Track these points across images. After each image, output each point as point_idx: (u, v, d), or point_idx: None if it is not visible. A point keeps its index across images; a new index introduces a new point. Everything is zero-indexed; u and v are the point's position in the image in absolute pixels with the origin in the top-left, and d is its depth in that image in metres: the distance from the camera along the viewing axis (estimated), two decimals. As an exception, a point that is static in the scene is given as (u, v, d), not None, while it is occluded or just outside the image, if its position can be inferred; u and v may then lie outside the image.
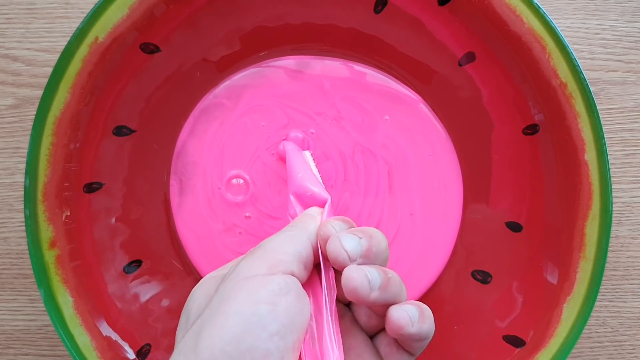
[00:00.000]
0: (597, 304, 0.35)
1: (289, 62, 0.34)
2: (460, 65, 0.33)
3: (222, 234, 0.34)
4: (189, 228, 0.34)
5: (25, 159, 0.34)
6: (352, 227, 0.24)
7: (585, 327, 0.32)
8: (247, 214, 0.34)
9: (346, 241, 0.22)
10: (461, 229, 0.34)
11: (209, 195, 0.34)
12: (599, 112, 0.30)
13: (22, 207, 0.36)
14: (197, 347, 0.20)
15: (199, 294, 0.23)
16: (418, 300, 0.33)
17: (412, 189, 0.34)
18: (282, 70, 0.34)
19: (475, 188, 0.34)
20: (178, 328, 0.23)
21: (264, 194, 0.34)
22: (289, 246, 0.23)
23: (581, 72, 0.30)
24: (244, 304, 0.20)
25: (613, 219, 0.33)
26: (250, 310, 0.20)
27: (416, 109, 0.34)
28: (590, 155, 0.30)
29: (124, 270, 0.33)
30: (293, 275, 0.22)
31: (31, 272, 0.36)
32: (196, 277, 0.34)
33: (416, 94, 0.34)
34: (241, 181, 0.34)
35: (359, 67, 0.34)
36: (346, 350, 0.23)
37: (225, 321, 0.20)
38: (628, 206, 0.36)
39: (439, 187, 0.34)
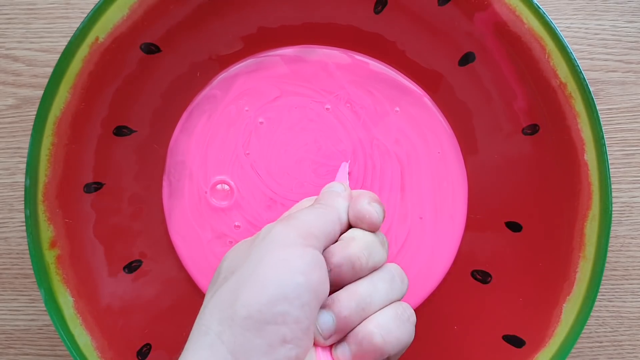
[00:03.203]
0: (597, 304, 0.35)
1: (288, 50, 0.33)
2: (460, 65, 0.33)
3: (212, 242, 0.33)
4: (180, 234, 0.33)
5: (25, 159, 0.34)
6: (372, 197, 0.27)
7: (585, 327, 0.32)
8: (236, 224, 0.33)
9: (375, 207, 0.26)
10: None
11: (195, 200, 0.33)
12: (599, 112, 0.30)
13: (22, 207, 0.36)
14: (234, 304, 0.21)
15: (231, 255, 0.25)
16: (422, 303, 0.34)
17: (423, 190, 0.33)
18: (279, 58, 0.33)
19: (476, 187, 0.34)
20: (209, 286, 0.25)
21: (249, 204, 0.33)
22: (322, 224, 0.25)
23: (581, 72, 0.30)
24: (283, 271, 0.22)
25: (613, 219, 0.33)
26: (288, 278, 0.22)
27: (423, 102, 0.33)
28: (590, 156, 0.30)
29: (124, 270, 0.33)
30: (320, 252, 0.24)
31: (31, 272, 0.36)
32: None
33: (420, 88, 0.34)
34: (226, 187, 0.33)
35: (360, 57, 0.34)
36: None
37: (264, 284, 0.22)
38: (628, 206, 0.36)
39: (447, 187, 0.34)
